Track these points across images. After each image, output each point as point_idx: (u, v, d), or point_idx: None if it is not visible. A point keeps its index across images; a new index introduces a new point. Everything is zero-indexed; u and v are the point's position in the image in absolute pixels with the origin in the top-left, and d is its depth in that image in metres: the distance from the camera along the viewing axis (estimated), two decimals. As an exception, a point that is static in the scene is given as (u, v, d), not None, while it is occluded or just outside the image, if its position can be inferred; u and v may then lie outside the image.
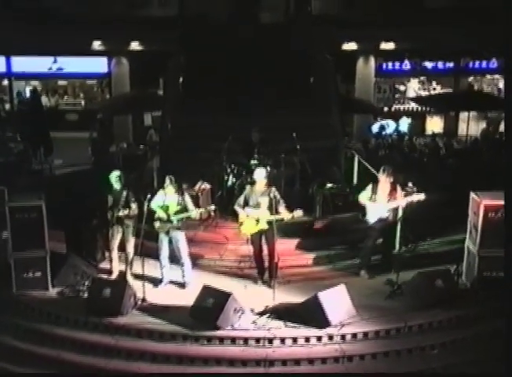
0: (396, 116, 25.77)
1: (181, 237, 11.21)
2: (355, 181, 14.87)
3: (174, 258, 11.40)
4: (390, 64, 25.44)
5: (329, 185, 13.69)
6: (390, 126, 25.24)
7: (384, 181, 11.41)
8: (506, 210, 9.12)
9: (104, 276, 11.48)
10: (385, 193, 11.39)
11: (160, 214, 11.16)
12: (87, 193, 12.69)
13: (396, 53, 24.55)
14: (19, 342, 9.97)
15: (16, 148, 20.26)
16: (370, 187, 11.54)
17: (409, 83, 26.08)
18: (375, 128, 24.81)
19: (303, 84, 15.68)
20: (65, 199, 13.85)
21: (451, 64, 25.40)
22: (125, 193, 11.28)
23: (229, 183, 13.61)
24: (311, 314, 9.91)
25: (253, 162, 13.44)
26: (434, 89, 26.01)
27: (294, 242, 12.38)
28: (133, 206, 11.26)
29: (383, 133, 24.30)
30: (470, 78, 25.77)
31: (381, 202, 11.38)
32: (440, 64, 25.37)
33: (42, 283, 11.02)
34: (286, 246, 11.93)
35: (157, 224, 11.20)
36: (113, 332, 9.91)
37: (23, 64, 24.74)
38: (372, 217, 11.44)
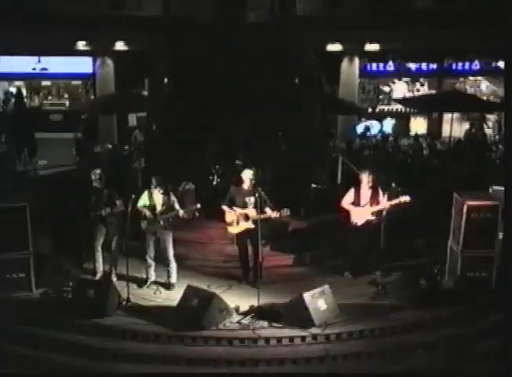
0: (380, 117, 25.87)
1: (167, 237, 11.20)
2: (339, 181, 14.90)
3: (159, 259, 11.38)
4: (374, 65, 25.52)
5: (313, 186, 13.72)
6: (374, 126, 25.33)
7: (365, 184, 11.49)
8: (506, 209, 9.18)
9: (89, 277, 11.43)
10: (368, 196, 11.47)
11: (147, 214, 11.15)
12: (71, 194, 12.64)
13: (380, 54, 24.63)
14: (1, 344, 9.87)
15: (-1, 149, 20.15)
16: (352, 191, 11.60)
17: (395, 85, 26.18)
18: (360, 129, 24.89)
19: (288, 85, 15.66)
20: (49, 199, 13.79)
21: (434, 66, 25.52)
22: (106, 192, 11.27)
23: (214, 183, 13.60)
24: (296, 314, 9.94)
25: (237, 162, 13.44)
26: (418, 90, 26.12)
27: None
28: (118, 202, 11.25)
29: (367, 133, 24.39)
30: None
31: (364, 205, 11.45)
32: (423, 66, 25.49)
33: (26, 284, 10.94)
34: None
35: (144, 224, 11.19)
36: (98, 333, 9.85)
37: (6, 63, 24.53)
38: (358, 220, 11.49)
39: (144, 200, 11.23)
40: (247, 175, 11.30)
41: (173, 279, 11.29)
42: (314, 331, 9.75)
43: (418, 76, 25.94)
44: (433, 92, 25.53)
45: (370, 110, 25.94)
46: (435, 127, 25.72)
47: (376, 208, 11.40)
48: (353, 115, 24.53)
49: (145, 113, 16.91)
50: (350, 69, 24.95)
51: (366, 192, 11.54)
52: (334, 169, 15.23)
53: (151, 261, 11.32)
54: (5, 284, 10.85)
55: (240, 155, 13.56)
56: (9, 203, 10.95)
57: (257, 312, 10.09)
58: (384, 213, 11.46)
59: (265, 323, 9.91)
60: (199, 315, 9.75)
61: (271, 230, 11.91)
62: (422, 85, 25.91)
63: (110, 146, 20.40)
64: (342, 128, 24.72)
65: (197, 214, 12.60)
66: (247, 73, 14.46)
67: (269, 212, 10.91)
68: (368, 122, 25.25)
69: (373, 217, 11.46)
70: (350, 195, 11.62)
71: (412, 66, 25.48)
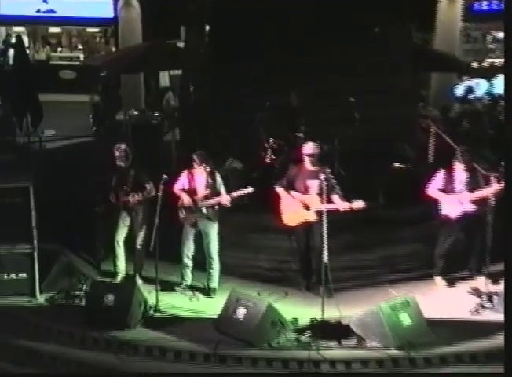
0: (489, 74, 25.53)
1: (211, 230, 11.32)
2: (431, 160, 14.83)
3: (197, 258, 11.55)
4: (485, 3, 25.08)
5: (397, 165, 13.72)
6: (481, 86, 25.00)
7: (460, 168, 11.43)
8: (506, 203, 9.15)
9: (107, 279, 11.63)
10: (464, 180, 11.42)
11: (185, 200, 11.30)
12: (87, 173, 12.86)
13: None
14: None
15: (-6, 114, 20.46)
16: (441, 175, 11.55)
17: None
18: (460, 90, 24.62)
19: (364, 33, 15.44)
20: (58, 180, 14.03)
21: None
22: (133, 172, 11.43)
23: (267, 161, 13.68)
24: (370, 331, 9.99)
25: (298, 135, 13.49)
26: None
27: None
28: (148, 187, 11.36)
29: (471, 96, 24.11)
30: None
31: (460, 192, 11.44)
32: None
33: (28, 286, 11.13)
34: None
35: (182, 213, 11.36)
36: (117, 350, 10.00)
37: (3, 4, 24.74)
38: (451, 211, 11.48)
39: (182, 183, 11.39)
40: (311, 151, 11.29)
41: (215, 283, 11.46)
42: (395, 353, 9.76)
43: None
44: None
45: (475, 64, 25.61)
46: None
47: (477, 195, 11.34)
48: (452, 72, 24.29)
49: (181, 71, 17.01)
50: (450, 10, 24.60)
51: (462, 175, 11.42)
52: (425, 143, 15.16)
53: (187, 261, 11.48)
54: (1, 286, 11.07)
55: (302, 125, 13.59)
56: (7, 183, 11.04)
57: (321, 327, 10.16)
58: (491, 202, 11.34)
59: (331, 342, 9.98)
60: (246, 329, 9.87)
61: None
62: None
63: (136, 113, 20.66)
64: (437, 90, 24.50)
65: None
66: (311, 21, 14.43)
67: (337, 202, 10.90)
68: (472, 82, 24.95)
69: (473, 207, 11.41)
70: (439, 180, 11.52)
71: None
